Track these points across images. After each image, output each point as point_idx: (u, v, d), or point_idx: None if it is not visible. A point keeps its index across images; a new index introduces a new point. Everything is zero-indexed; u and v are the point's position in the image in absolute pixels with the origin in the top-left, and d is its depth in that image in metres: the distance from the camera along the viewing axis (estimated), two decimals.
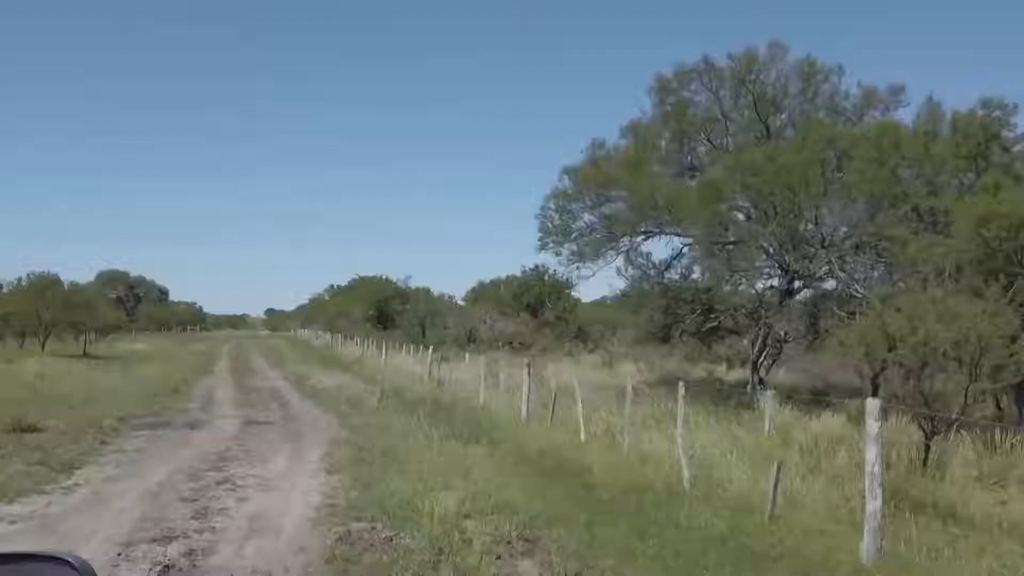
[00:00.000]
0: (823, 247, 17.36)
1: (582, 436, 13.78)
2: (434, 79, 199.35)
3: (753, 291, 19.93)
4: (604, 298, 70.67)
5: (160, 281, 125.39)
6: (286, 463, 12.01)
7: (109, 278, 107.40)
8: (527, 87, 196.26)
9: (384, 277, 76.70)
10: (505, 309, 53.29)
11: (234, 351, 55.97)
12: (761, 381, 21.11)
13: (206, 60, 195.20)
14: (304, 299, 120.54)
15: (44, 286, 41.01)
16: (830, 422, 14.61)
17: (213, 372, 33.67)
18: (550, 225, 22.67)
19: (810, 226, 17.28)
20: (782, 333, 20.14)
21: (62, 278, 46.11)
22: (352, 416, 17.82)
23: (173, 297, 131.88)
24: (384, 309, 67.99)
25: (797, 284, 19.04)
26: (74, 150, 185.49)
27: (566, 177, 21.99)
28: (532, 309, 52.57)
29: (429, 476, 10.73)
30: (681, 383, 10.77)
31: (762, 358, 21.21)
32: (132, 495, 9.65)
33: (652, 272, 23.69)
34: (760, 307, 18.99)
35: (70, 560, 1.79)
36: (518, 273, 55.40)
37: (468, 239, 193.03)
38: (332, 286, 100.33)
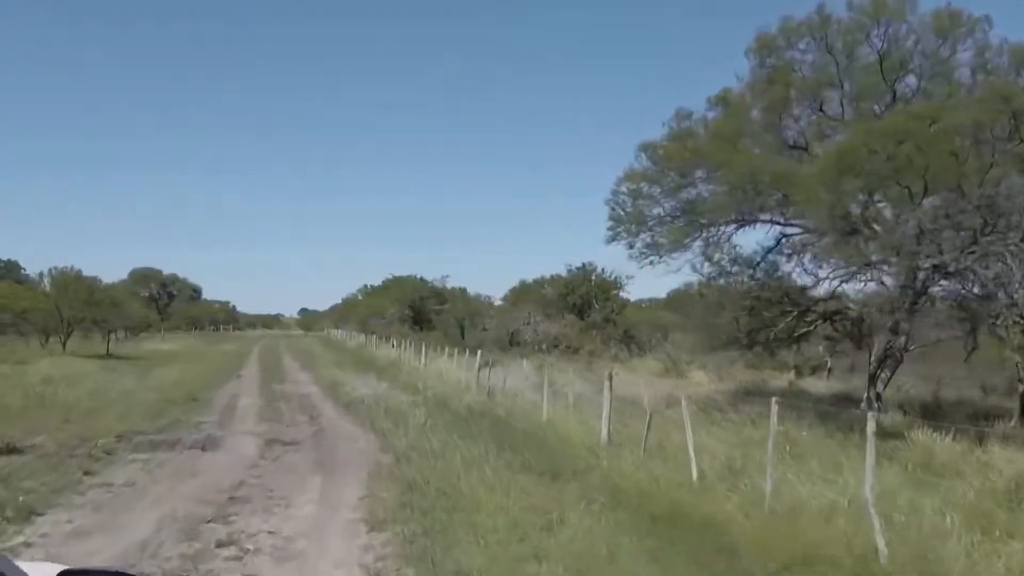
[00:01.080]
0: (983, 234, 14.08)
1: (693, 472, 10.72)
2: (474, 74, 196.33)
3: (886, 288, 16.67)
4: (640, 300, 67.60)
5: (193, 280, 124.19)
6: (314, 508, 9.12)
7: (141, 276, 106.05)
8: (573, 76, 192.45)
9: (419, 277, 73.98)
10: (548, 310, 50.24)
11: (265, 352, 53.58)
12: (879, 396, 17.87)
13: (234, 55, 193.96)
14: (338, 299, 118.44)
15: (65, 282, 38.66)
16: (1008, 456, 11.39)
17: (240, 375, 31.05)
18: (622, 212, 19.57)
19: (968, 207, 13.94)
20: (902, 340, 16.89)
21: (87, 275, 43.82)
22: (395, 435, 14.94)
23: (207, 296, 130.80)
24: (420, 309, 65.27)
25: (938, 280, 15.77)
26: (100, 147, 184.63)
27: (643, 156, 18.89)
28: (578, 310, 49.45)
29: (508, 535, 7.82)
30: (871, 416, 7.66)
31: (880, 370, 17.95)
32: (97, 563, 6.80)
33: (736, 268, 20.53)
34: (900, 307, 15.70)
35: None
36: (563, 272, 52.24)
37: (505, 240, 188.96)
38: (365, 286, 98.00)
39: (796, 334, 20.55)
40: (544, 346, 46.43)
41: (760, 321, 20.93)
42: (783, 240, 18.94)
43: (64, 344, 39.93)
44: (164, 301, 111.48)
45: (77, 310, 38.77)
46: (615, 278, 50.46)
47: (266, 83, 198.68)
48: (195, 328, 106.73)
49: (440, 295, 66.97)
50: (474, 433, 15.10)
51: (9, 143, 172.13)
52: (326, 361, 40.96)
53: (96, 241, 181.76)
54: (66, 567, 1.90)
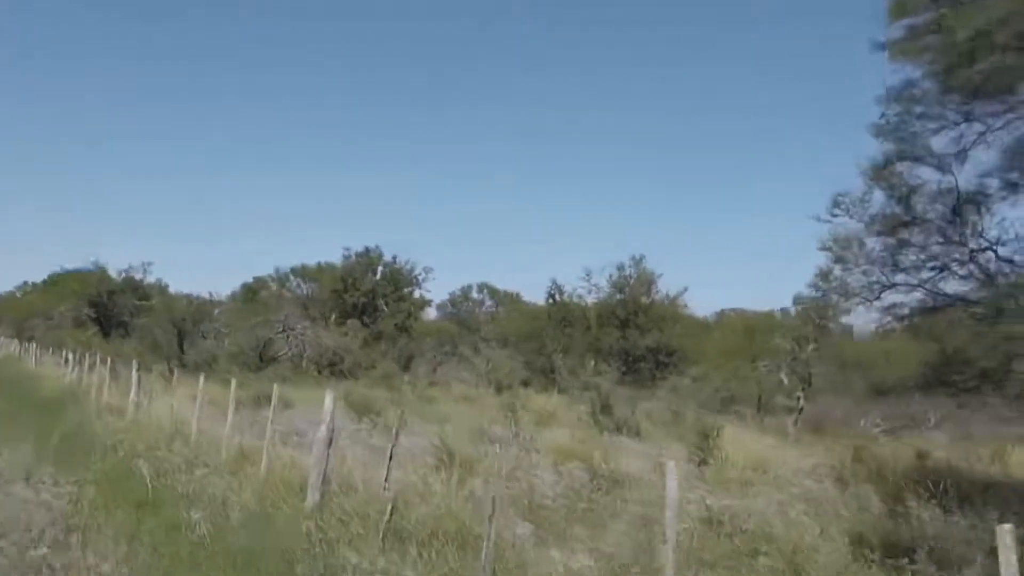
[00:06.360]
0: None
1: None
2: None
3: None
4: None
5: None
6: None
7: None
8: None
9: (101, 268, 53.15)
10: (313, 312, 35.26)
11: None
12: None
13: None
14: None
15: None
16: None
17: None
18: None
19: None
20: None
21: None
22: None
23: None
24: (108, 307, 46.54)
25: None
26: None
27: None
28: (361, 313, 34.94)
29: None
30: None
31: None
32: None
33: None
34: None
35: None
36: (337, 260, 37.04)
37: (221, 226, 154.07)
38: (26, 283, 74.99)
39: None
40: (312, 364, 31.50)
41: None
42: None
43: None
44: None
45: None
46: (410, 268, 36.61)
47: None
48: None
49: (138, 289, 48.61)
50: None
51: None
52: None
53: None
54: None
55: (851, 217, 10.50)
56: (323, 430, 9.09)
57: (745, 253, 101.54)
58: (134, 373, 17.76)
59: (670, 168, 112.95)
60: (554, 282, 37.77)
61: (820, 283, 11.21)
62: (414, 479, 9.14)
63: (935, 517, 9.00)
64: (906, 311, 10.82)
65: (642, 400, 24.42)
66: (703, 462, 12.32)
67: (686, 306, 34.90)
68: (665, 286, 35.41)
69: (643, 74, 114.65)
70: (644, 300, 33.67)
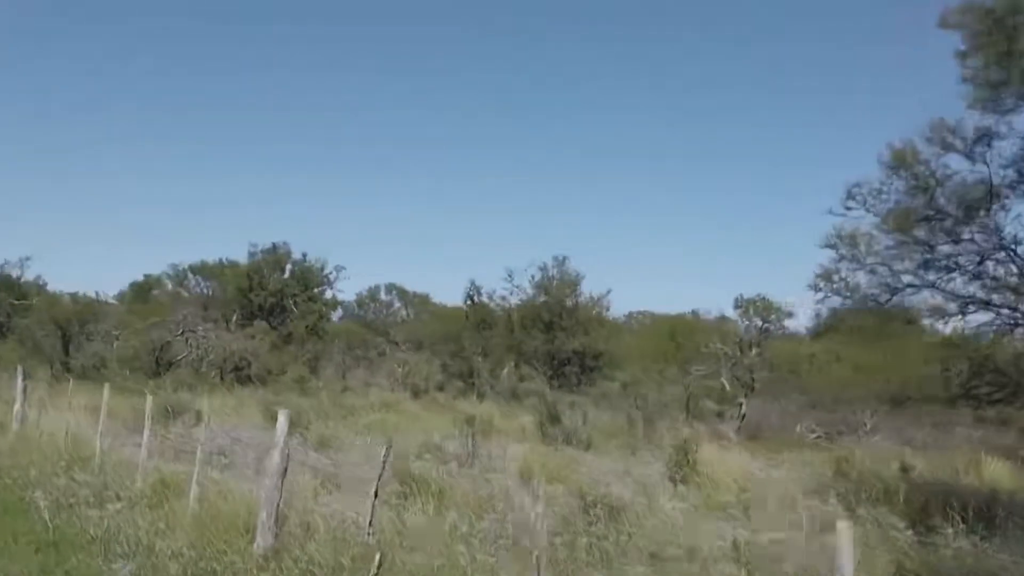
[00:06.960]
0: None
1: None
2: None
3: None
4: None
5: None
6: None
7: None
8: None
9: None
10: (214, 313, 32.78)
11: None
12: None
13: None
14: None
15: None
16: None
17: None
18: None
19: None
20: None
21: None
22: None
23: None
24: None
25: None
26: None
27: None
28: (268, 314, 32.64)
29: None
30: None
31: None
32: None
33: None
34: None
35: None
36: (241, 258, 34.54)
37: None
38: None
39: None
40: (208, 367, 29.15)
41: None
42: None
43: None
44: None
45: None
46: (321, 267, 34.46)
47: None
48: None
49: (14, 287, 44.50)
50: None
51: None
52: None
53: None
54: None
55: (867, 210, 9.52)
56: (275, 457, 7.45)
57: (650, 255, 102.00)
58: (19, 380, 15.43)
59: (580, 170, 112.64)
60: (472, 283, 36.29)
61: (822, 283, 10.21)
62: (389, 514, 7.60)
63: (971, 545, 8.08)
64: (919, 315, 9.91)
65: (578, 407, 23.31)
66: (684, 480, 11.24)
67: (609, 308, 34.16)
68: (588, 287, 34.54)
69: (555, 74, 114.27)
70: (569, 302, 32.66)
